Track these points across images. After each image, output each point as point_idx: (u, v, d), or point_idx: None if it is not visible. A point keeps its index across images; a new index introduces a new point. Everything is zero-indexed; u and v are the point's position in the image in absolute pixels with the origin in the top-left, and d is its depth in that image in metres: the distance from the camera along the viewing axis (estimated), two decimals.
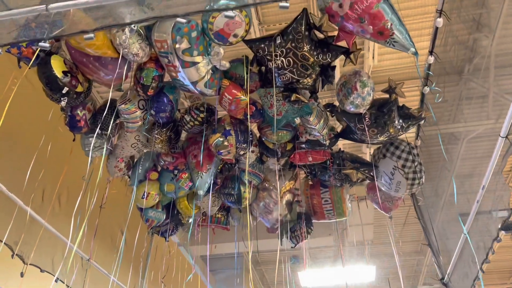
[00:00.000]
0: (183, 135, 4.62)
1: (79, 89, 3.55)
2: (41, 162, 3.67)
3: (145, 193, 4.60)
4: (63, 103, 3.74)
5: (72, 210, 3.52)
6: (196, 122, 4.13)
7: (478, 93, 8.71)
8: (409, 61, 6.41)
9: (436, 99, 3.48)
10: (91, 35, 2.54)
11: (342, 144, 6.39)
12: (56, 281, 3.68)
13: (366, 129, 3.80)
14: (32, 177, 3.52)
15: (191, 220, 5.43)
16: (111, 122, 3.82)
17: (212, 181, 4.38)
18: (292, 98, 3.68)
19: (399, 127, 3.95)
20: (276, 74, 3.54)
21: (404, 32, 3.11)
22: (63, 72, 3.41)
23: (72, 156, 3.96)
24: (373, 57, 6.04)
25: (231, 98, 3.71)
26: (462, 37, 6.94)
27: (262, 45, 3.47)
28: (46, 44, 2.61)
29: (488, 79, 8.22)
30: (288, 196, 5.04)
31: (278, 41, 3.41)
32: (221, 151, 4.08)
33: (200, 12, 3.00)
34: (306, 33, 3.35)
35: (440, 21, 3.38)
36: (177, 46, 3.30)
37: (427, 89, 3.99)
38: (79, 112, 3.92)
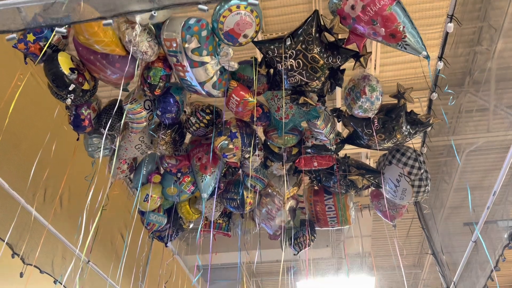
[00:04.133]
0: (187, 138, 4.57)
1: (86, 86, 3.51)
2: (45, 161, 3.60)
3: (148, 196, 4.53)
4: (68, 101, 3.69)
5: (73, 211, 3.47)
6: (202, 124, 4.09)
7: (478, 106, 8.72)
8: (410, 72, 6.42)
9: (450, 102, 3.46)
10: (110, 21, 2.50)
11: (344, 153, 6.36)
12: (55, 282, 3.58)
13: (374, 134, 3.77)
14: (35, 176, 3.44)
15: (191, 225, 5.37)
16: (109, 120, 3.75)
17: (216, 185, 4.32)
18: (300, 101, 3.65)
19: (406, 133, 3.93)
20: (285, 76, 3.52)
21: (416, 35, 3.10)
22: (70, 69, 3.37)
23: (76, 156, 3.89)
24: (374, 68, 6.05)
25: (238, 99, 3.67)
26: (463, 50, 6.98)
27: (272, 47, 3.45)
28: (63, 30, 2.56)
29: (488, 92, 8.23)
30: (291, 203, 4.98)
31: (288, 42, 3.39)
32: (226, 154, 4.03)
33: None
34: (317, 35, 3.34)
35: (451, 26, 3.38)
36: (186, 45, 3.27)
37: (435, 95, 3.98)
38: (83, 111, 3.87)
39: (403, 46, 3.12)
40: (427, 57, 3.13)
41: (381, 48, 5.77)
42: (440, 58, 3.68)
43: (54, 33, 3.10)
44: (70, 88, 3.37)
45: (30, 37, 3.34)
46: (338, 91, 5.84)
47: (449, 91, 3.49)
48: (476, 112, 8.41)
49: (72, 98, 3.39)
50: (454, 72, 7.68)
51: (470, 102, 8.15)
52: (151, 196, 4.56)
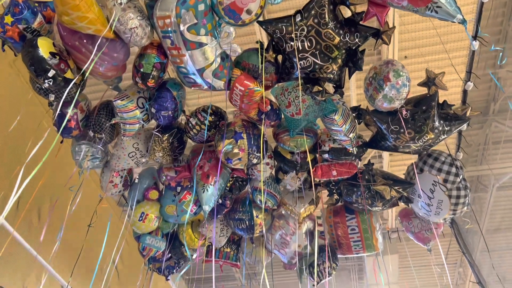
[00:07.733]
0: (187, 151, 4.08)
1: (69, 75, 3.08)
2: (21, 161, 3.09)
3: (144, 214, 3.97)
4: (52, 97, 3.29)
5: (53, 226, 2.90)
6: (203, 126, 3.60)
7: (507, 137, 8.05)
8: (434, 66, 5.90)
9: (499, 61, 2.91)
10: None
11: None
12: None
13: (403, 124, 3.21)
14: (6, 176, 2.94)
15: (195, 255, 4.71)
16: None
17: (218, 196, 3.75)
18: (314, 89, 3.16)
19: (440, 129, 3.36)
20: (295, 59, 3.05)
21: None
22: (51, 53, 2.97)
23: (59, 159, 3.39)
24: None
25: (243, 89, 3.20)
26: (484, 77, 6.50)
27: (280, 25, 3.01)
28: None
29: None
30: (308, 224, 4.34)
31: (298, 18, 2.96)
32: (231, 159, 3.50)
33: None
34: (331, 7, 2.91)
35: None
36: (181, 21, 2.88)
37: (470, 84, 3.45)
38: (69, 110, 3.43)
39: (433, 9, 2.65)
40: (463, 21, 2.65)
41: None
42: (475, 37, 3.19)
43: None
44: (50, 74, 2.94)
45: (8, 19, 3.00)
46: (352, 88, 5.38)
47: (497, 48, 2.95)
48: (505, 143, 7.77)
49: (52, 83, 2.95)
50: (478, 100, 7.17)
51: (497, 132, 7.57)
52: (147, 215, 3.99)
